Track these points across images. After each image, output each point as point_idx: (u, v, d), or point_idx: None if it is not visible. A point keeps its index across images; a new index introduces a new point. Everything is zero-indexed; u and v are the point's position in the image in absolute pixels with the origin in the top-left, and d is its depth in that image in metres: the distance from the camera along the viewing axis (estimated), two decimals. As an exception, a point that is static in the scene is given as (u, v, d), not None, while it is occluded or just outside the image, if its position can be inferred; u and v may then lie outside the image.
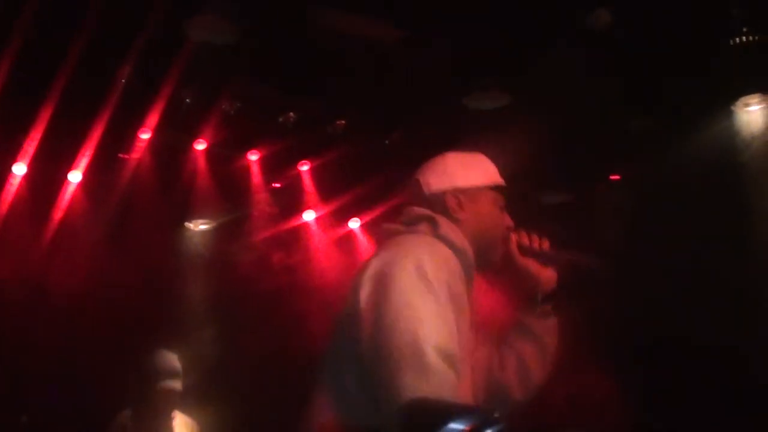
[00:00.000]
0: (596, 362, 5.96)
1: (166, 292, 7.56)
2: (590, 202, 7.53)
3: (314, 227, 8.14)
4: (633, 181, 7.31)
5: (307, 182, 7.70)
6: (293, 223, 8.01)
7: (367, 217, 8.19)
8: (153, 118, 6.52)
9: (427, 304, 2.52)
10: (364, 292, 2.64)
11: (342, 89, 6.48)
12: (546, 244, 3.09)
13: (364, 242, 8.39)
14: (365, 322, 2.57)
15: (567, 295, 3.14)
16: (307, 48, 5.93)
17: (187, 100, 6.48)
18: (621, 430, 6.46)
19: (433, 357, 2.41)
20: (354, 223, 8.31)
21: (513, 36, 5.71)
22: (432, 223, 2.88)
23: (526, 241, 3.09)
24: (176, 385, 5.58)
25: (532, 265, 3.08)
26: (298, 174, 7.69)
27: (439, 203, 2.97)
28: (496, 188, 3.05)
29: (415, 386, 2.36)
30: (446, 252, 2.76)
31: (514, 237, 3.07)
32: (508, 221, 3.06)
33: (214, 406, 6.31)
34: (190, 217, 7.70)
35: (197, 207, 7.52)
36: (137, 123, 6.62)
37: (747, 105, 6.44)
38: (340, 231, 8.29)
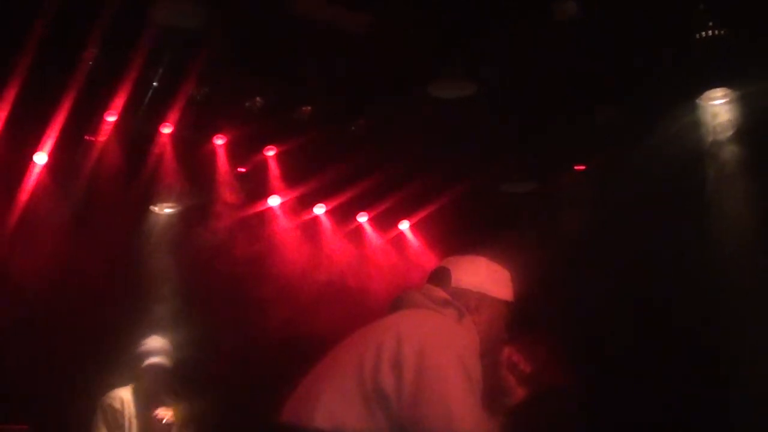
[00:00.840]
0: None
1: (131, 276, 7.54)
2: (555, 191, 7.58)
3: (279, 212, 8.13)
4: (598, 172, 7.36)
5: (273, 167, 7.69)
6: (258, 208, 8.00)
7: (332, 203, 8.20)
8: (119, 101, 6.50)
9: (469, 399, 2.83)
10: (408, 367, 2.84)
11: (308, 75, 6.48)
12: (528, 368, 3.29)
13: (328, 228, 8.41)
14: (405, 394, 2.81)
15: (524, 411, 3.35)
16: (274, 33, 5.93)
17: (154, 83, 6.45)
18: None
19: None
20: (319, 209, 8.31)
21: (479, 24, 5.73)
22: (458, 311, 3.16)
23: (515, 359, 3.29)
24: (164, 361, 6.02)
25: (510, 381, 3.27)
26: (264, 159, 7.68)
27: (461, 299, 3.21)
28: (508, 304, 3.31)
29: None
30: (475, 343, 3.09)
31: (506, 351, 3.28)
32: (506, 336, 3.31)
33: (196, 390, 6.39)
34: (156, 201, 7.67)
35: (163, 190, 7.50)
36: (103, 106, 6.59)
37: (711, 99, 6.50)
38: (305, 216, 8.29)
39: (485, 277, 3.29)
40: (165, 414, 5.90)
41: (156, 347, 6.10)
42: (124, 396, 5.96)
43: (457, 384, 2.82)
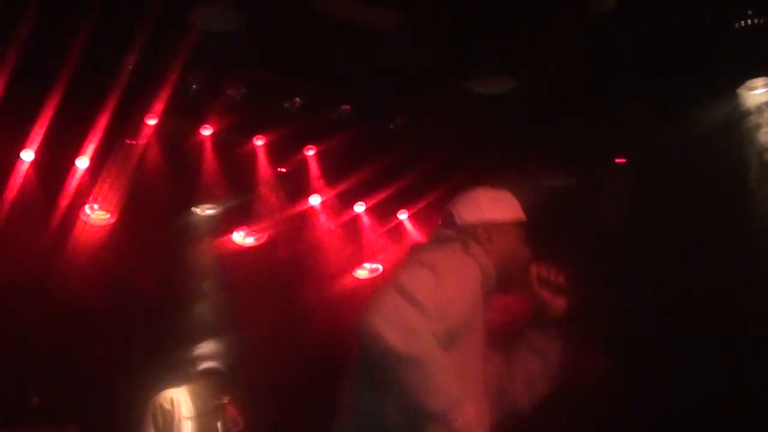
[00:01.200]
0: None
1: (175, 277, 7.60)
2: (595, 185, 7.55)
3: (320, 211, 8.16)
4: (638, 165, 7.31)
5: (313, 167, 7.72)
6: (299, 207, 8.03)
7: (373, 201, 8.20)
8: (159, 104, 6.56)
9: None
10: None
11: (346, 75, 6.51)
12: (561, 278, 3.32)
13: (369, 226, 8.41)
14: None
15: (572, 322, 3.39)
16: (311, 34, 5.96)
17: (194, 86, 6.51)
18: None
19: None
20: (359, 207, 8.33)
21: (515, 17, 5.73)
22: (464, 244, 3.19)
23: (544, 273, 3.33)
24: (219, 365, 6.12)
25: (545, 294, 3.32)
26: (304, 159, 7.71)
27: (470, 234, 3.24)
28: (519, 223, 3.34)
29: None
30: (474, 269, 3.11)
31: (534, 268, 3.32)
32: (528, 253, 3.34)
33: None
34: (197, 202, 7.72)
35: (203, 192, 7.55)
36: (144, 109, 6.65)
37: (752, 88, 6.45)
38: (346, 215, 8.31)
39: (486, 206, 3.30)
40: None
41: (210, 352, 6.17)
42: (174, 397, 6.01)
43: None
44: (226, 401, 5.98)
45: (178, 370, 6.16)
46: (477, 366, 3.09)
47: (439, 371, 2.77)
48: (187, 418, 5.94)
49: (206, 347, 6.23)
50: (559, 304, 3.33)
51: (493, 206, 3.31)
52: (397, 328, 2.77)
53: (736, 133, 6.50)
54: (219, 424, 5.94)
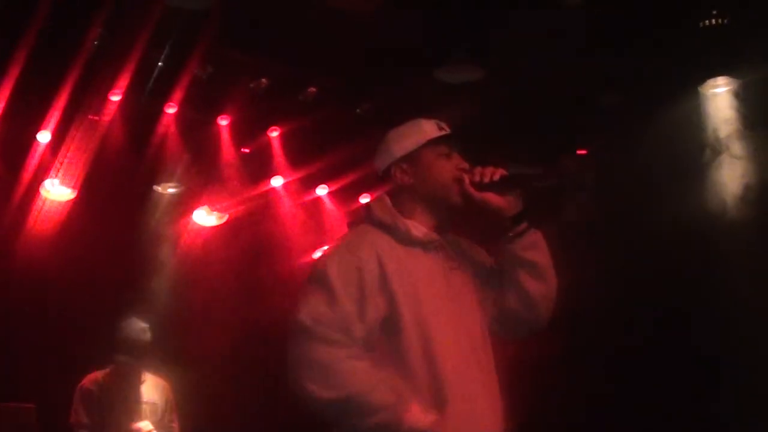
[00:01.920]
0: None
1: (134, 254, 7.58)
2: (558, 175, 7.57)
3: (282, 193, 8.15)
4: (600, 157, 7.36)
5: (277, 148, 7.70)
6: (261, 188, 8.02)
7: (336, 185, 8.21)
8: (124, 81, 6.51)
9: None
10: None
11: (314, 57, 6.49)
12: (497, 174, 3.09)
13: (331, 209, 8.42)
14: None
15: (537, 209, 3.20)
16: (280, 14, 5.93)
17: (159, 63, 6.47)
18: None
19: None
20: (322, 190, 8.33)
21: (487, 9, 5.74)
22: (366, 209, 3.18)
23: (477, 177, 3.10)
24: (146, 336, 6.04)
25: (491, 197, 3.09)
26: (268, 140, 7.69)
27: (390, 180, 3.18)
28: (435, 141, 3.16)
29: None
30: (367, 238, 3.03)
31: (466, 177, 3.10)
32: (457, 165, 3.14)
33: (183, 368, 6.42)
34: (159, 180, 7.68)
35: (166, 170, 7.52)
36: (108, 85, 6.60)
37: (714, 87, 6.51)
38: (308, 198, 8.31)
39: (391, 143, 3.20)
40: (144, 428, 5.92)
41: (135, 328, 6.09)
42: (101, 379, 5.96)
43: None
44: (152, 370, 5.95)
45: (108, 350, 6.11)
46: (428, 309, 2.95)
47: (373, 389, 2.78)
48: (115, 399, 5.88)
49: (133, 325, 6.12)
50: (509, 199, 3.11)
51: (398, 140, 3.20)
52: (318, 376, 2.80)
53: (698, 131, 6.56)
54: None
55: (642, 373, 6.68)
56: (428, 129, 3.18)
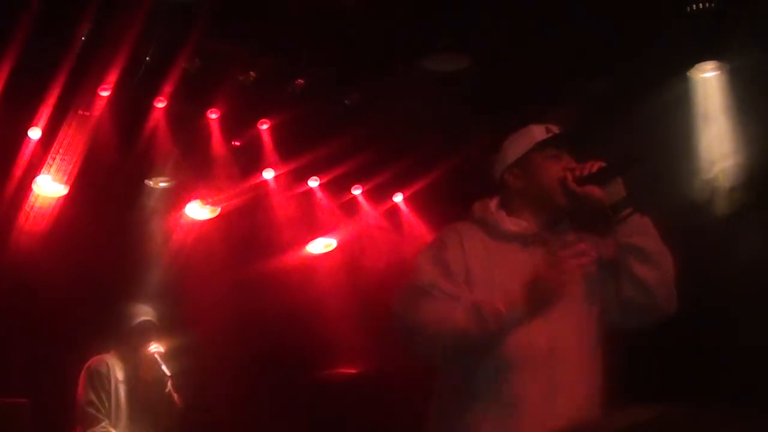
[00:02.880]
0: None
1: (127, 249, 7.59)
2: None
3: (273, 185, 8.15)
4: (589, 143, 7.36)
5: (267, 141, 7.71)
6: (252, 181, 8.02)
7: (327, 176, 8.22)
8: (113, 76, 6.50)
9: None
10: None
11: (301, 48, 6.50)
12: (595, 166, 3.21)
13: (323, 200, 8.43)
14: None
15: (640, 194, 3.28)
16: (267, 6, 5.93)
17: (147, 57, 6.46)
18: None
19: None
20: (313, 182, 8.34)
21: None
22: (470, 211, 3.40)
23: (577, 173, 3.22)
24: (152, 318, 6.09)
25: (592, 190, 3.19)
26: (258, 132, 7.69)
27: (503, 185, 3.37)
28: (544, 144, 3.31)
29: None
30: (456, 229, 3.32)
31: (569, 175, 3.23)
32: (566, 165, 3.28)
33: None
34: (151, 175, 7.69)
35: (157, 164, 7.52)
36: (97, 80, 6.59)
37: (702, 71, 6.52)
38: (300, 189, 8.32)
39: (505, 150, 3.40)
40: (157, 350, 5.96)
41: (142, 309, 6.13)
42: (108, 360, 6.00)
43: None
44: (158, 352, 5.98)
45: (114, 333, 6.13)
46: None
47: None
48: (122, 381, 5.93)
49: (140, 307, 6.17)
50: (610, 189, 3.22)
51: (510, 147, 3.38)
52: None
53: (686, 115, 6.57)
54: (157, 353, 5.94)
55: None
56: (536, 133, 3.34)
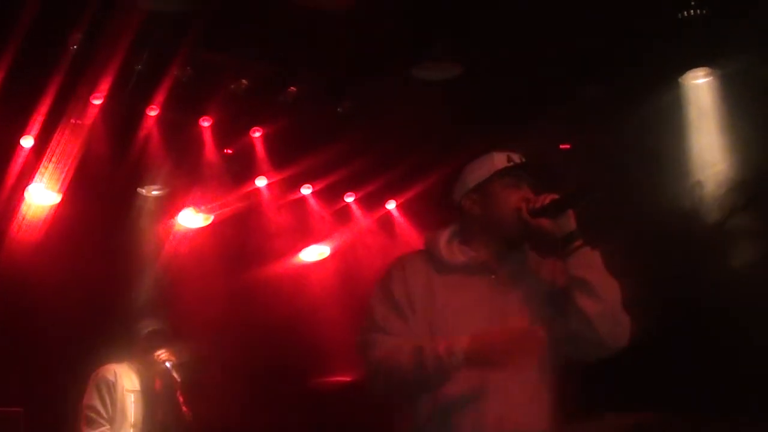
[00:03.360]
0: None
1: (120, 256, 7.58)
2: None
3: (266, 193, 8.15)
4: (582, 150, 7.37)
5: (259, 149, 7.70)
6: (245, 189, 8.02)
7: (319, 184, 8.22)
8: (105, 85, 6.50)
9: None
10: None
11: (293, 56, 6.50)
12: (548, 199, 3.20)
13: (315, 208, 8.43)
14: None
15: (590, 227, 3.27)
16: (258, 15, 5.94)
17: (138, 66, 6.46)
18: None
19: None
20: (306, 190, 8.34)
21: (463, 3, 5.76)
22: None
23: (531, 204, 3.22)
24: (157, 326, 6.10)
25: (544, 222, 3.19)
26: (251, 140, 7.69)
27: (461, 209, 3.37)
28: (504, 173, 3.31)
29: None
30: (402, 262, 3.39)
31: (523, 206, 3.23)
32: (522, 195, 3.27)
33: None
34: (143, 183, 7.69)
35: (150, 173, 7.52)
36: (89, 89, 6.59)
37: (694, 78, 6.54)
38: (292, 197, 8.32)
39: (465, 175, 3.38)
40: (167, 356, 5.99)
41: (153, 320, 6.15)
42: (117, 370, 6.01)
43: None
44: (167, 356, 6.00)
45: (124, 344, 6.14)
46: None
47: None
48: (130, 391, 5.95)
49: (149, 321, 6.20)
50: (561, 221, 3.20)
51: (471, 172, 3.37)
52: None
53: (678, 121, 6.58)
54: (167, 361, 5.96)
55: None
56: (497, 161, 3.33)
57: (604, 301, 3.15)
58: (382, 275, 3.37)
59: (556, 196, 3.20)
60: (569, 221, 3.20)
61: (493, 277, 3.26)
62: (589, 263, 3.17)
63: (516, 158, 3.34)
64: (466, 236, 3.33)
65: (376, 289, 3.33)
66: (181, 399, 5.98)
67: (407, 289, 3.23)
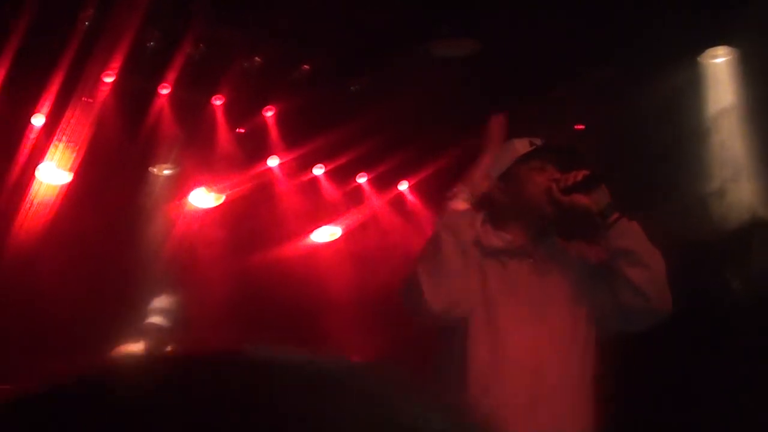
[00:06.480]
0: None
1: (131, 235, 7.56)
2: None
3: (278, 173, 8.11)
4: (598, 131, 7.31)
5: (272, 128, 7.66)
6: (257, 169, 7.97)
7: (332, 164, 8.17)
8: (116, 62, 6.46)
9: None
10: None
11: (307, 34, 6.45)
12: (580, 175, 3.20)
13: (328, 189, 8.39)
14: None
15: (627, 199, 3.29)
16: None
17: (150, 43, 6.41)
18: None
19: None
20: (318, 170, 8.29)
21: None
22: None
23: (562, 183, 3.22)
24: (163, 321, 6.07)
25: (577, 198, 3.19)
26: (263, 120, 7.64)
27: (490, 200, 3.35)
28: (528, 157, 3.31)
29: None
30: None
31: (553, 185, 3.22)
32: (550, 176, 3.27)
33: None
34: (155, 162, 7.65)
35: (161, 152, 7.48)
36: (101, 67, 6.54)
37: (713, 57, 6.47)
38: (305, 177, 8.28)
39: (490, 166, 3.34)
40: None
41: (158, 307, 6.13)
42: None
43: None
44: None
45: (132, 326, 6.12)
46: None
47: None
48: None
49: (156, 305, 6.17)
50: (595, 196, 3.20)
51: (495, 162, 3.34)
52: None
53: (696, 101, 6.52)
54: None
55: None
56: (519, 147, 3.35)
57: (651, 268, 3.15)
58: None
59: (587, 172, 3.19)
60: (604, 194, 3.20)
61: (531, 260, 3.25)
62: (630, 233, 3.17)
63: (537, 141, 3.35)
64: (498, 223, 3.32)
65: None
66: None
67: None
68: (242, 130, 7.69)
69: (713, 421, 6.17)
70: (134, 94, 6.97)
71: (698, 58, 6.50)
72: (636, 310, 3.16)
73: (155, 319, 6.08)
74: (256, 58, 6.71)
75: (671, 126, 6.41)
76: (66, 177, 7.07)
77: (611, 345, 3.31)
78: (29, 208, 7.05)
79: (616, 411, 3.39)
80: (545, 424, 3.00)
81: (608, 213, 3.18)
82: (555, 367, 3.09)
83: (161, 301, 6.22)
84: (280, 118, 7.60)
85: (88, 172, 7.10)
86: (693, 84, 6.49)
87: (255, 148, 7.79)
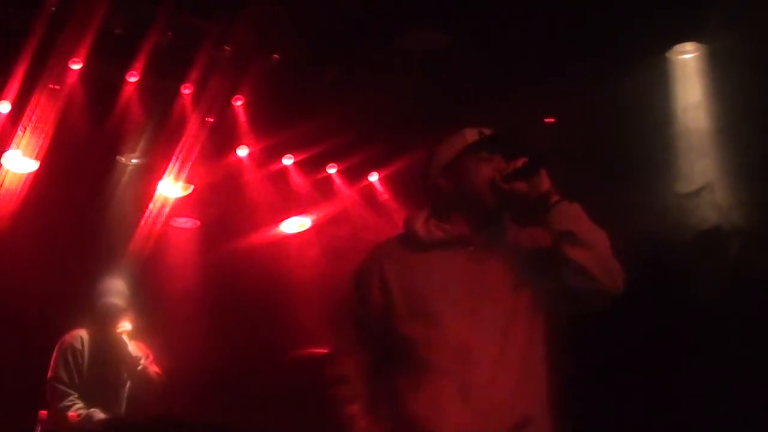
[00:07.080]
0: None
1: (98, 224, 7.52)
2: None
3: (247, 163, 8.08)
4: (567, 125, 7.32)
5: (241, 118, 7.62)
6: (226, 159, 7.93)
7: (302, 155, 8.15)
8: (84, 49, 6.41)
9: None
10: None
11: (277, 23, 6.42)
12: (518, 162, 3.18)
13: (297, 179, 8.37)
14: None
15: (564, 181, 3.24)
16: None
17: (118, 30, 6.36)
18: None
19: None
20: (288, 160, 8.26)
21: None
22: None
23: (504, 170, 3.21)
24: (118, 300, 6.08)
25: (518, 185, 3.18)
26: (233, 109, 7.59)
27: (437, 188, 3.35)
28: (473, 145, 3.29)
29: None
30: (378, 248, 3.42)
31: (496, 175, 3.21)
32: (495, 166, 3.25)
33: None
34: (123, 151, 7.60)
35: (129, 141, 7.43)
36: (67, 53, 6.49)
37: (681, 53, 6.50)
38: (274, 167, 8.24)
39: (437, 154, 3.36)
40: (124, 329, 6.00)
41: (111, 288, 6.11)
42: (83, 335, 5.98)
43: None
44: (126, 331, 5.96)
45: (85, 310, 6.12)
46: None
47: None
48: (94, 356, 5.91)
49: (110, 285, 6.15)
50: (537, 181, 3.17)
51: (443, 151, 3.35)
52: None
53: (664, 97, 6.54)
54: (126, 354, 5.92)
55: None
56: (468, 136, 3.32)
57: (593, 248, 3.11)
58: (358, 270, 3.39)
59: (526, 159, 3.18)
60: (543, 180, 3.18)
61: (471, 248, 3.23)
62: (570, 215, 3.15)
63: (487, 132, 3.33)
64: (443, 214, 3.31)
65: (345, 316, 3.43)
66: (147, 366, 5.97)
67: (385, 287, 3.25)
68: (211, 120, 7.64)
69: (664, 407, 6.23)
70: (102, 82, 6.92)
71: (667, 54, 6.52)
72: (583, 291, 3.13)
73: (109, 299, 6.05)
74: (226, 47, 6.67)
75: (640, 121, 6.42)
76: (32, 165, 7.01)
77: (565, 330, 3.29)
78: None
79: (569, 398, 3.37)
80: (480, 413, 2.99)
81: (547, 197, 3.17)
82: (490, 355, 3.07)
83: (119, 284, 6.19)
84: (249, 107, 7.56)
85: (54, 160, 7.05)
86: (661, 79, 6.51)
87: (224, 138, 7.74)
